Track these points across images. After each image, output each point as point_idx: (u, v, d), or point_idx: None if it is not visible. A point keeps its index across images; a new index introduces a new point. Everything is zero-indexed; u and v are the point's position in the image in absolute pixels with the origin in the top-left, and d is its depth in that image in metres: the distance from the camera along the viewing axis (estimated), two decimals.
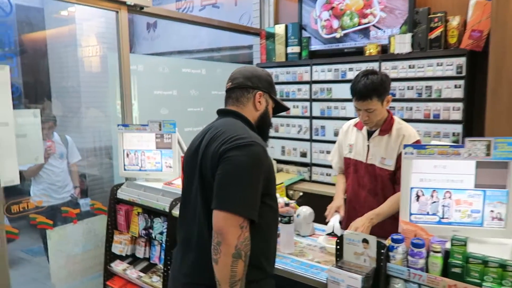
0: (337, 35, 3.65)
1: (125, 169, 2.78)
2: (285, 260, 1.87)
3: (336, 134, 3.64)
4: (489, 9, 2.64)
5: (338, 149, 2.35)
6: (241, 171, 1.30)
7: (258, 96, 1.53)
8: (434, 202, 1.46)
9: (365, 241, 1.49)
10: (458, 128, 2.93)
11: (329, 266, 1.77)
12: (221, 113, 1.58)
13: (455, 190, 1.44)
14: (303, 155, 3.94)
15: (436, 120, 3.03)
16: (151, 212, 2.59)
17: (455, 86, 2.91)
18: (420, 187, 1.47)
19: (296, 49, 3.91)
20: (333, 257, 1.87)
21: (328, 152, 3.75)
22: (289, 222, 1.92)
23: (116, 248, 2.73)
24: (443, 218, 1.47)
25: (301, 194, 3.78)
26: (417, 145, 1.44)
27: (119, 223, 2.78)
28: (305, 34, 3.89)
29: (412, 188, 1.47)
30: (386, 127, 2.04)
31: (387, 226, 1.93)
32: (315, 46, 3.83)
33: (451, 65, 2.91)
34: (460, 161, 1.41)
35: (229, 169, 1.30)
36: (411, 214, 1.49)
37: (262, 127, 1.56)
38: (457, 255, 1.31)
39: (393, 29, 3.31)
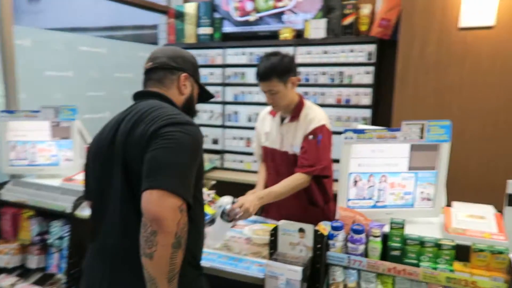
0: (251, 18, 3.54)
1: (10, 165, 2.31)
2: (211, 257, 1.72)
3: (249, 119, 3.56)
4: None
5: (257, 138, 2.26)
6: (180, 147, 1.10)
7: (183, 79, 1.35)
8: (371, 186, 1.44)
9: (301, 230, 1.42)
10: (368, 113, 3.07)
11: (258, 258, 1.72)
12: (141, 95, 1.35)
13: (390, 174, 1.44)
14: (215, 142, 3.79)
15: (347, 105, 3.13)
16: (46, 215, 2.19)
17: (366, 72, 3.03)
18: (358, 172, 1.43)
19: (208, 30, 3.70)
20: (260, 248, 1.80)
21: (241, 139, 3.67)
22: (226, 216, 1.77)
23: (1, 260, 2.27)
24: (378, 201, 1.46)
25: (213, 183, 3.64)
26: (356, 129, 1.40)
27: (4, 229, 2.31)
28: (217, 15, 3.70)
29: (350, 173, 1.43)
30: (295, 113, 2.01)
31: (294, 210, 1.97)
32: (228, 28, 3.67)
33: (362, 52, 3.02)
34: (396, 145, 1.40)
35: (165, 143, 1.09)
36: (348, 199, 1.45)
37: (187, 113, 1.37)
38: (395, 238, 1.31)
39: (308, 14, 3.31)
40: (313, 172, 1.90)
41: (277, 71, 1.87)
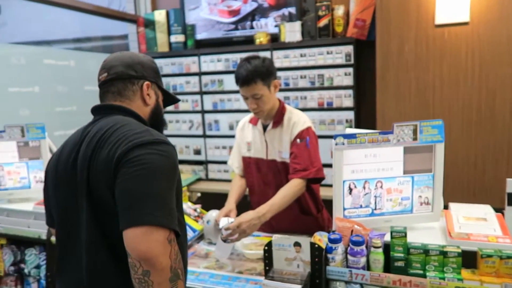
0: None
1: None
2: (203, 277, 1.63)
3: (231, 127, 3.47)
4: None
5: (238, 150, 2.15)
6: (153, 173, 0.99)
7: (146, 88, 1.22)
8: (367, 193, 1.38)
9: (297, 244, 1.34)
10: (351, 115, 3.03)
11: (253, 275, 1.63)
12: (101, 110, 1.20)
13: (385, 179, 1.38)
14: (197, 152, 3.68)
15: (330, 108, 3.09)
16: (20, 243, 2.03)
17: (345, 74, 3.00)
18: (352, 179, 1.36)
19: (181, 37, 3.60)
20: (254, 264, 1.73)
21: (224, 148, 3.57)
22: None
23: None
24: (375, 209, 1.40)
25: (199, 195, 3.53)
26: (346, 134, 1.33)
27: None
28: (190, 21, 3.59)
29: (344, 181, 1.36)
30: (278, 118, 1.95)
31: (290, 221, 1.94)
32: (202, 34, 3.57)
33: (340, 53, 2.99)
34: (389, 148, 1.34)
35: (136, 171, 0.97)
36: (344, 209, 1.38)
37: (156, 125, 1.26)
38: (398, 247, 1.24)
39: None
40: (308, 175, 1.83)
41: (260, 73, 1.80)
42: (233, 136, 2.33)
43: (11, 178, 2.16)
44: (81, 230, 1.08)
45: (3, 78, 2.77)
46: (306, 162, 1.84)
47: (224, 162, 3.53)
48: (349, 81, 3.01)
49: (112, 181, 1.00)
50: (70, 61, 3.33)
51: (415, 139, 1.34)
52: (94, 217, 1.05)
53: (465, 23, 2.47)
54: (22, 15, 5.27)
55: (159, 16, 3.63)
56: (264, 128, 2.00)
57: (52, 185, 1.17)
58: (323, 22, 3.03)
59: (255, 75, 1.79)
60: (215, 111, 3.53)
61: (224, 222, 1.78)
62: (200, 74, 3.52)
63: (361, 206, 1.39)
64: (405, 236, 1.23)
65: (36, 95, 3.02)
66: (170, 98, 1.36)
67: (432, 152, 1.36)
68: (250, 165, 2.07)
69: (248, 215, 1.72)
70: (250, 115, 2.11)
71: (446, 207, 1.49)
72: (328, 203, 2.09)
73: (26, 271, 2.01)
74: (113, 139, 1.04)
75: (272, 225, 2.01)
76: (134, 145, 1.00)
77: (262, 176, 2.04)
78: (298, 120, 1.92)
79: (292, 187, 1.81)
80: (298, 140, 1.88)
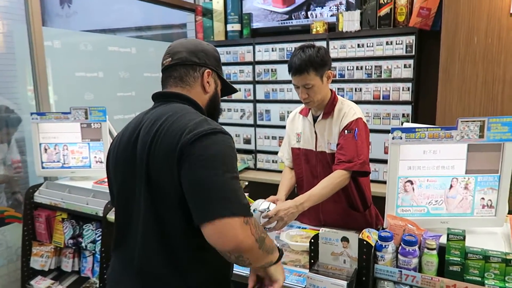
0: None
1: (43, 167, 2.31)
2: None
3: (282, 118, 3.44)
4: None
5: (288, 142, 2.13)
6: (221, 163, 1.02)
7: (207, 75, 1.24)
8: (423, 192, 1.30)
9: (344, 239, 1.29)
10: (408, 109, 2.88)
11: (297, 267, 1.61)
12: (161, 97, 1.23)
13: (444, 178, 1.28)
14: (247, 141, 3.70)
15: (386, 101, 2.95)
16: (79, 218, 2.17)
17: (405, 66, 2.85)
18: (408, 175, 1.29)
19: (237, 26, 3.61)
20: (298, 256, 1.70)
21: (274, 138, 3.56)
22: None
23: (36, 263, 2.27)
24: (431, 209, 1.31)
25: (246, 183, 3.54)
26: (405, 128, 1.26)
27: (39, 232, 2.31)
28: (246, 10, 3.59)
29: (399, 177, 1.29)
30: (329, 109, 1.89)
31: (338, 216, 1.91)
32: (258, 23, 3.56)
33: (401, 44, 2.83)
34: (451, 145, 1.25)
35: (205, 163, 1.00)
36: (397, 206, 1.31)
37: (212, 113, 1.28)
38: (454, 251, 1.16)
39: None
40: (352, 167, 1.76)
41: (314, 63, 1.76)
42: (283, 127, 2.31)
43: (74, 157, 2.31)
44: (138, 213, 1.13)
45: (71, 63, 2.96)
46: (351, 154, 1.77)
47: (273, 153, 3.53)
48: (408, 73, 2.85)
49: (176, 170, 1.02)
50: (132, 48, 3.48)
51: (481, 136, 1.24)
52: (150, 203, 1.09)
53: None
54: (91, 5, 5.59)
55: (217, 5, 3.67)
56: (315, 119, 1.96)
57: (113, 166, 1.23)
58: (384, 11, 2.88)
59: (309, 64, 1.75)
60: (267, 101, 3.52)
61: (264, 206, 1.75)
62: (254, 63, 3.51)
63: (416, 205, 1.32)
64: (464, 239, 1.15)
65: (100, 80, 3.19)
66: (228, 88, 1.37)
67: (500, 151, 1.25)
68: (299, 157, 2.04)
69: (287, 204, 1.70)
70: (301, 106, 2.07)
71: (511, 212, 1.37)
72: (376, 200, 2.02)
73: (83, 245, 2.15)
74: (175, 129, 1.06)
75: (319, 218, 1.97)
76: (196, 136, 1.02)
77: (311, 168, 2.00)
78: (348, 111, 1.86)
79: (334, 178, 1.76)
80: (346, 131, 1.82)
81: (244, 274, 1.49)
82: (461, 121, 1.23)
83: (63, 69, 2.88)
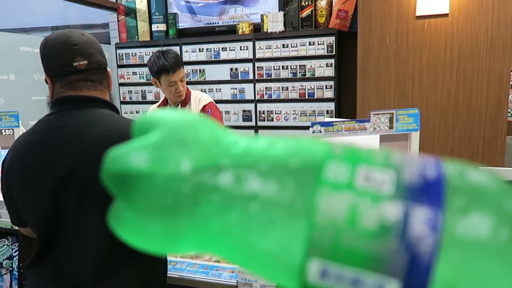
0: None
1: None
2: (180, 266, 1.61)
3: None
4: None
5: None
6: None
7: (109, 74, 1.17)
8: None
9: None
10: (332, 106, 3.04)
11: (231, 264, 1.62)
12: (83, 101, 1.08)
13: None
14: None
15: (311, 99, 3.09)
16: None
17: (327, 65, 3.00)
18: None
19: (162, 26, 3.53)
20: None
21: None
22: None
23: None
24: None
25: None
26: (324, 122, 1.33)
27: None
28: (171, 10, 3.53)
29: None
30: (187, 98, 2.16)
31: None
32: (184, 24, 3.52)
33: (322, 44, 2.98)
34: (365, 136, 1.35)
35: None
36: None
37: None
38: None
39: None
40: None
41: (180, 60, 2.06)
42: None
43: None
44: (86, 234, 1.02)
45: None
46: None
47: None
48: (330, 72, 3.01)
49: None
50: None
51: (391, 127, 1.35)
52: (104, 220, 1.00)
53: (445, 15, 2.49)
54: (3, 3, 5.12)
55: (140, 4, 3.56)
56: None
57: (23, 185, 1.06)
58: (305, 13, 3.01)
59: (178, 61, 2.02)
60: None
61: None
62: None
63: None
64: None
65: (12, 83, 2.93)
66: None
67: (408, 140, 1.37)
68: None
69: None
70: (156, 104, 2.30)
71: None
72: None
73: None
74: (114, 135, 0.97)
75: None
76: None
77: None
78: (202, 97, 2.17)
79: None
80: (202, 114, 2.07)
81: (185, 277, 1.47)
82: (373, 114, 1.33)
83: None
